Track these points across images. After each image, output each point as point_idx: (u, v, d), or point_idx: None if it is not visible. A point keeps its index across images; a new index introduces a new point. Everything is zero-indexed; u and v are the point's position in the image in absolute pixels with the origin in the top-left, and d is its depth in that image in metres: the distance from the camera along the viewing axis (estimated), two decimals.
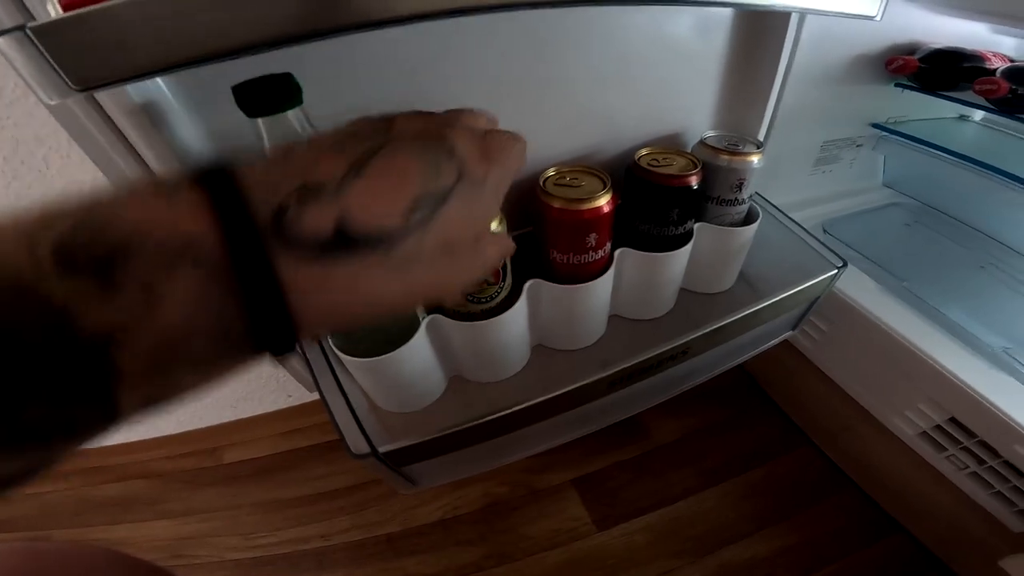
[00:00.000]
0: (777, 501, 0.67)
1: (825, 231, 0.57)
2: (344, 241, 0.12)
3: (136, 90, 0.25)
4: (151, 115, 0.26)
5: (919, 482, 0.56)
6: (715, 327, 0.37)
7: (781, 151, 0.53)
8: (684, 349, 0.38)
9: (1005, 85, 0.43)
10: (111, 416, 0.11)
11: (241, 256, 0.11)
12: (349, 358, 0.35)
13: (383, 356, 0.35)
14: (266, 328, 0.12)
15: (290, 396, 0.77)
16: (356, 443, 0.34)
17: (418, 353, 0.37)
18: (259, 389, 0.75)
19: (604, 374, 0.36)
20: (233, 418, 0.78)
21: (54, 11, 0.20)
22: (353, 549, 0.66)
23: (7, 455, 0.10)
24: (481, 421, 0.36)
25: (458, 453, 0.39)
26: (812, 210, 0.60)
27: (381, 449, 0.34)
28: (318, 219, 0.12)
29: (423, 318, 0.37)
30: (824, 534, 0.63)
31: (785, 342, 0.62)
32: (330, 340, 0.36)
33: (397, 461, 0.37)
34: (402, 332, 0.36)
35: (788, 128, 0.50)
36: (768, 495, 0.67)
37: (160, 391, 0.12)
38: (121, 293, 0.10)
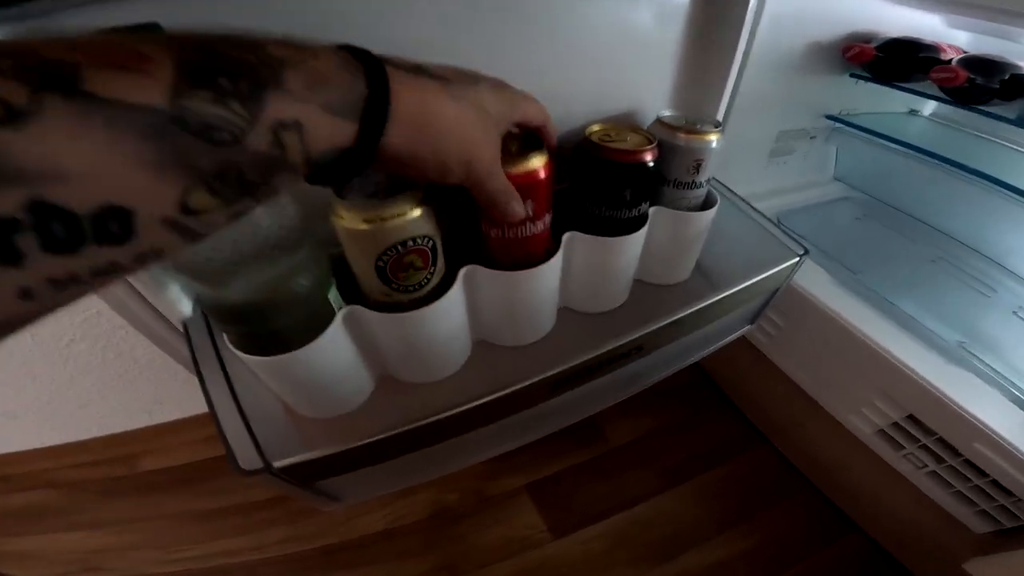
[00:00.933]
0: (736, 502, 0.66)
1: (779, 223, 0.56)
2: (424, 71, 0.20)
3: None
4: None
5: (877, 482, 0.55)
6: (671, 320, 0.34)
7: (737, 140, 0.51)
8: (638, 345, 0.34)
9: (963, 74, 0.42)
10: (252, 120, 0.13)
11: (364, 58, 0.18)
12: (251, 357, 0.30)
13: (291, 353, 0.30)
14: (377, 97, 0.17)
15: None
16: (246, 457, 0.29)
17: (335, 349, 0.32)
18: (176, 392, 0.68)
19: (551, 372, 0.32)
20: (149, 423, 0.70)
21: None
22: (286, 563, 0.60)
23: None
24: (408, 428, 0.31)
25: (384, 465, 0.35)
26: (766, 202, 0.60)
27: (277, 464, 0.29)
28: (411, 60, 0.20)
29: (339, 309, 0.32)
30: (783, 535, 0.63)
31: (741, 338, 0.60)
32: (225, 338, 0.31)
33: (302, 477, 0.32)
34: (313, 325, 0.31)
35: (745, 116, 0.49)
36: (726, 496, 0.66)
37: (298, 111, 0.15)
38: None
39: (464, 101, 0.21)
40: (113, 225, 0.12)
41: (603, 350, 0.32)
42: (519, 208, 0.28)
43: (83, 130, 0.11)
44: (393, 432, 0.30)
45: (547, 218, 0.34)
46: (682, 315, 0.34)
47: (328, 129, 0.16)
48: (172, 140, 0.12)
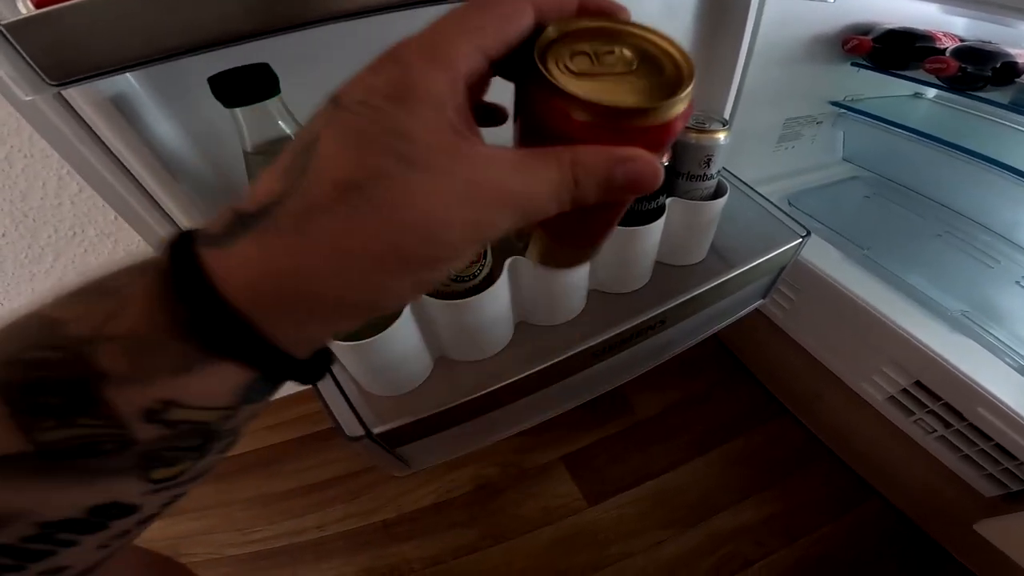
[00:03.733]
0: (759, 470, 0.70)
1: (790, 204, 0.60)
2: (241, 220, 0.12)
3: (106, 84, 0.25)
4: (122, 108, 0.26)
5: (891, 448, 0.58)
6: (689, 296, 0.39)
7: (746, 129, 0.55)
8: (662, 319, 0.39)
9: (954, 64, 0.45)
10: (114, 423, 0.11)
11: (176, 262, 0.12)
12: (339, 343, 0.36)
13: (371, 339, 0.36)
14: (206, 318, 0.12)
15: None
16: (350, 426, 0.35)
17: (404, 334, 0.38)
18: None
19: (586, 346, 0.37)
20: None
21: (25, 9, 0.20)
22: (349, 537, 0.67)
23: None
24: (472, 398, 0.37)
25: (450, 431, 0.40)
26: (777, 184, 0.63)
27: (375, 430, 0.35)
28: (221, 213, 0.12)
29: None
30: (806, 501, 0.67)
31: (757, 312, 0.64)
32: None
33: (391, 442, 0.38)
34: (387, 314, 0.37)
35: (752, 107, 0.53)
36: (750, 464, 0.70)
37: (152, 393, 0.12)
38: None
39: (317, 215, 0.12)
40: (113, 511, 0.13)
41: (633, 323, 0.37)
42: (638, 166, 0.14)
43: (10, 483, 0.11)
44: (463, 400, 0.36)
45: None
46: (699, 292, 0.39)
47: (200, 386, 0.12)
48: (69, 467, 0.11)
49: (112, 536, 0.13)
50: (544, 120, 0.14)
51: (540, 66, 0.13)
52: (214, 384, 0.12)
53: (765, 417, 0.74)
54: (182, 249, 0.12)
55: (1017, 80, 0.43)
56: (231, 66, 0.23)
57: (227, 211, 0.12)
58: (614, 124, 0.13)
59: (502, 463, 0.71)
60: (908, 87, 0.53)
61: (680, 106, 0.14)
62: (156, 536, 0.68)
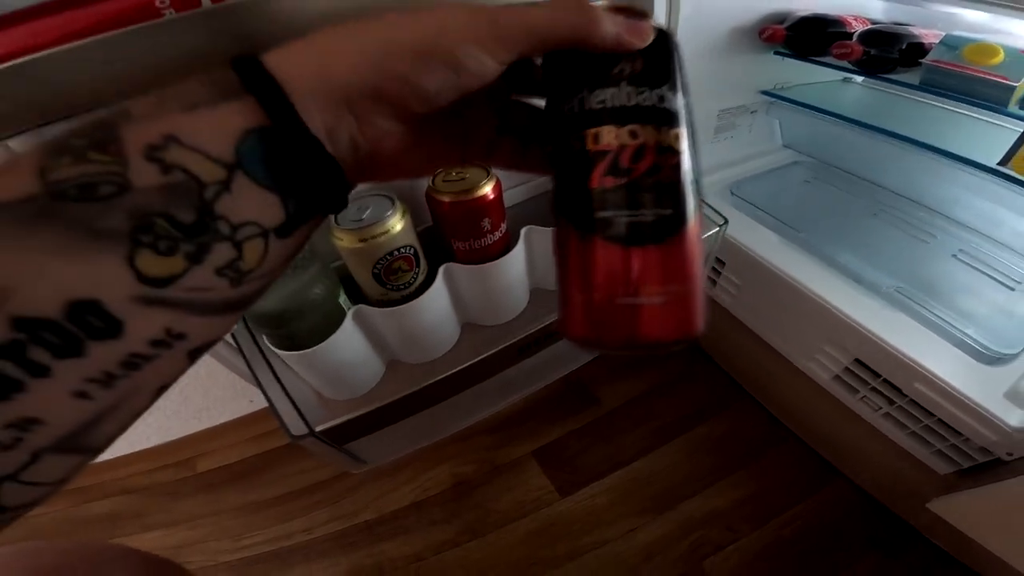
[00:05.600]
0: (726, 455, 0.71)
1: (732, 193, 0.62)
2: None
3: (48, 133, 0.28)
4: None
5: (847, 428, 0.59)
6: None
7: None
8: None
9: (859, 48, 0.47)
10: (119, 159, 0.11)
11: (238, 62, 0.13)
12: (285, 352, 0.39)
13: (316, 347, 0.38)
14: (247, 63, 0.13)
15: (251, 401, 0.80)
16: (295, 426, 0.38)
17: (349, 341, 0.41)
18: (220, 398, 0.79)
19: (513, 340, 0.40)
20: (200, 428, 0.81)
21: None
22: (335, 539, 0.69)
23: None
24: (404, 395, 0.40)
25: (398, 426, 0.43)
26: (720, 174, 0.65)
27: (318, 428, 0.38)
28: None
29: (348, 309, 0.40)
30: (772, 484, 0.68)
31: (711, 300, 0.66)
32: (264, 339, 0.40)
33: (337, 439, 0.40)
34: (330, 324, 0.39)
35: None
36: (717, 450, 0.72)
37: (159, 127, 0.12)
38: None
39: (373, 19, 0.15)
40: (93, 320, 0.11)
41: (550, 320, 0.39)
42: (614, 23, 0.16)
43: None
44: (403, 395, 0.39)
45: (503, 227, 0.42)
46: None
47: (209, 121, 0.12)
48: (64, 216, 0.11)
49: (94, 377, 0.12)
50: None
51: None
52: (217, 124, 0.12)
53: (729, 403, 0.76)
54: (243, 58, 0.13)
55: (922, 61, 0.45)
56: None
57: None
58: None
59: (476, 460, 0.73)
60: (836, 72, 0.55)
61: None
62: (153, 547, 0.72)
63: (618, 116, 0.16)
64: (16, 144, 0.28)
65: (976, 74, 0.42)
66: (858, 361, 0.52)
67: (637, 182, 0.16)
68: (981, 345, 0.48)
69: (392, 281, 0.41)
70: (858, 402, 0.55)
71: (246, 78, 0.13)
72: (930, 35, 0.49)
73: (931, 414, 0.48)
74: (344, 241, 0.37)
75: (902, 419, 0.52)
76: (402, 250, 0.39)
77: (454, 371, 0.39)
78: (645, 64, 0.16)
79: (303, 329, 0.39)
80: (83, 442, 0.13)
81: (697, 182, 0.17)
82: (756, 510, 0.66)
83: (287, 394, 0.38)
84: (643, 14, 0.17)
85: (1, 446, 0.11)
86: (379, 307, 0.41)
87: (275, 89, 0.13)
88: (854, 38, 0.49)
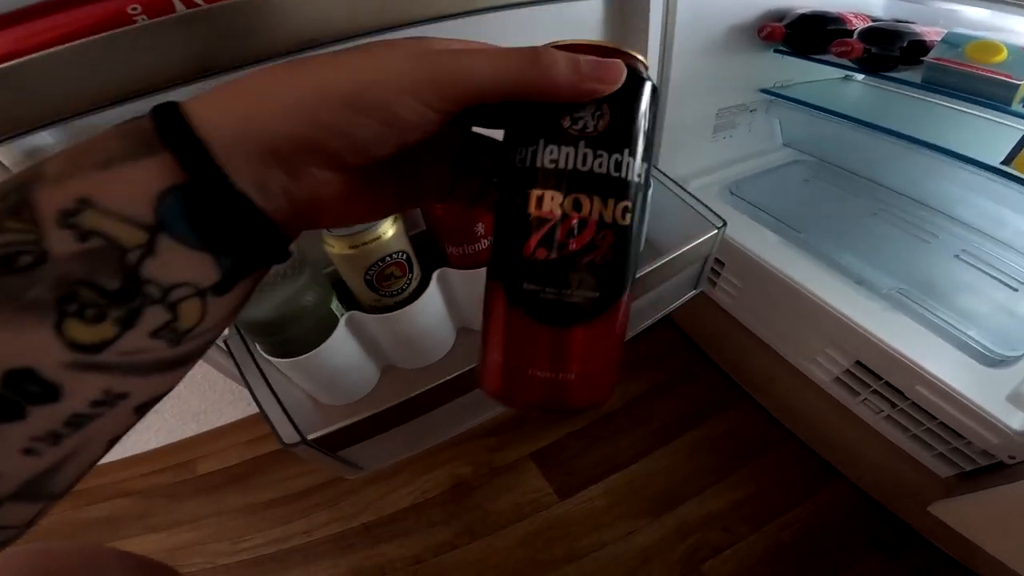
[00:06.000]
0: (724, 456, 0.71)
1: (732, 193, 0.61)
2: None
3: (24, 142, 0.28)
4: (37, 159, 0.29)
5: (847, 429, 0.59)
6: None
7: (680, 122, 0.56)
8: None
9: (859, 46, 0.46)
10: (33, 225, 0.11)
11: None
12: (278, 360, 0.38)
13: (309, 353, 0.38)
14: (166, 113, 0.12)
15: (249, 404, 0.80)
16: (287, 434, 0.37)
17: (342, 347, 0.40)
18: (217, 401, 0.79)
19: None
20: (198, 431, 0.81)
21: None
22: (335, 541, 0.69)
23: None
24: (402, 400, 0.39)
25: (392, 432, 0.43)
26: (719, 174, 0.64)
27: (310, 436, 0.38)
28: None
29: (342, 315, 0.40)
30: (771, 485, 0.68)
31: (710, 301, 0.66)
32: (258, 347, 0.39)
33: (330, 446, 0.40)
34: (323, 331, 0.39)
35: (682, 100, 0.54)
36: (716, 451, 0.72)
37: (72, 188, 0.11)
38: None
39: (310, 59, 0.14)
40: (30, 387, 0.11)
41: None
42: (569, 66, 0.15)
43: None
44: (395, 403, 0.38)
45: None
46: None
47: (125, 180, 0.12)
48: None
49: (37, 435, 0.12)
50: None
51: None
52: (134, 184, 0.12)
53: (728, 404, 0.76)
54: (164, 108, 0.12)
55: (924, 59, 0.44)
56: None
57: None
58: None
59: (475, 462, 0.73)
60: (836, 71, 0.54)
61: None
62: (151, 549, 0.72)
63: (566, 181, 0.15)
64: (3, 151, 0.28)
65: (979, 72, 0.41)
66: (859, 363, 0.52)
67: (570, 259, 0.15)
68: (983, 347, 0.47)
69: (385, 287, 0.40)
70: (859, 404, 0.55)
71: (163, 130, 0.12)
72: (932, 33, 0.48)
73: (933, 417, 0.48)
74: (335, 248, 0.37)
75: (903, 422, 0.51)
76: (395, 256, 0.39)
77: (449, 378, 0.39)
78: (610, 118, 0.15)
79: (296, 336, 0.39)
80: (42, 490, 0.13)
81: (637, 256, 0.16)
82: (755, 512, 0.66)
83: (279, 402, 0.37)
84: (616, 51, 0.15)
85: None
86: (372, 313, 0.40)
87: (194, 142, 0.12)
88: (855, 36, 0.48)
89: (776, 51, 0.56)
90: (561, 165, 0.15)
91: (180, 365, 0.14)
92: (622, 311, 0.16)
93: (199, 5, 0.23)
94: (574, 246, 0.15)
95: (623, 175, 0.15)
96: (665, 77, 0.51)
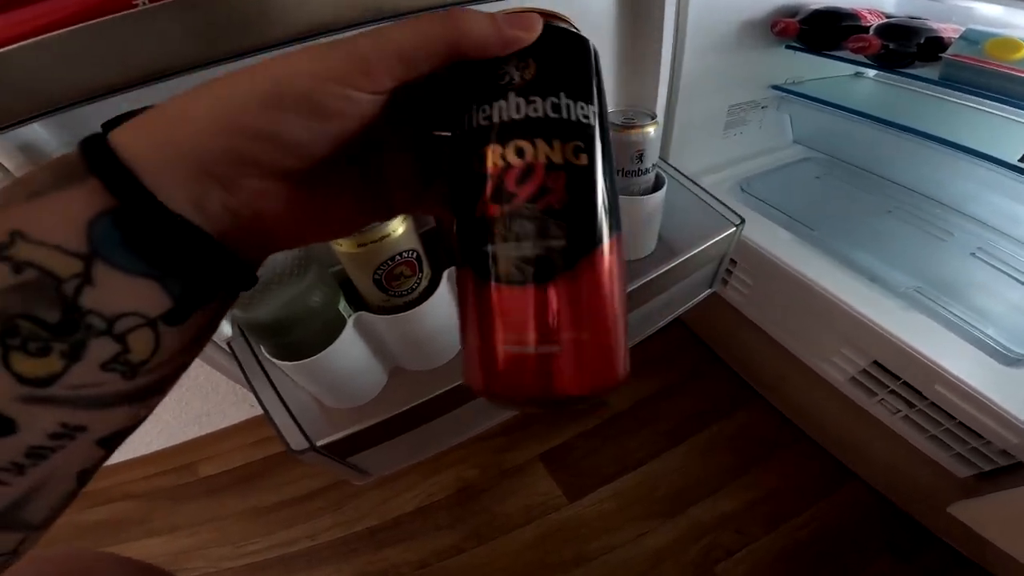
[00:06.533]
0: (736, 457, 0.70)
1: (742, 190, 0.61)
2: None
3: (15, 135, 0.27)
4: (32, 155, 0.28)
5: (863, 430, 0.58)
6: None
7: (691, 119, 0.55)
8: None
9: (876, 42, 0.46)
10: None
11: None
12: (284, 362, 0.37)
13: (315, 356, 0.37)
14: (93, 142, 0.12)
15: (252, 407, 0.79)
16: (295, 440, 0.36)
17: (349, 350, 0.39)
18: (220, 403, 0.77)
19: None
20: (201, 433, 0.80)
21: None
22: (339, 545, 0.68)
23: None
24: (411, 406, 0.38)
25: (401, 438, 0.42)
26: (729, 171, 0.64)
27: (319, 442, 0.37)
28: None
29: (349, 316, 0.39)
30: (784, 486, 0.67)
31: (721, 299, 0.65)
32: (263, 349, 0.38)
33: (339, 452, 0.39)
34: (330, 332, 0.38)
35: (693, 97, 0.53)
36: (727, 452, 0.71)
37: (13, 206, 0.11)
38: None
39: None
40: None
41: None
42: (500, 27, 0.14)
43: None
44: (405, 408, 0.37)
45: None
46: (633, 287, 0.40)
47: (53, 209, 0.11)
48: None
49: (1, 465, 0.12)
50: None
51: None
52: (62, 212, 0.11)
53: (738, 404, 0.75)
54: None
55: (942, 55, 0.43)
56: (125, 111, 0.25)
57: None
58: None
59: (482, 464, 0.72)
60: (847, 67, 0.53)
61: None
62: (154, 553, 0.71)
63: (501, 132, 0.14)
64: None
65: (999, 69, 0.40)
66: (876, 363, 0.51)
67: (522, 208, 0.13)
68: (1002, 346, 0.47)
69: (394, 287, 0.39)
70: (876, 405, 0.54)
71: (90, 158, 0.12)
72: (948, 29, 0.47)
73: (952, 417, 0.47)
74: (343, 246, 0.36)
75: (921, 422, 0.50)
76: (404, 254, 0.38)
77: (460, 382, 0.38)
78: (537, 68, 0.14)
79: (302, 338, 0.37)
80: (18, 520, 0.13)
81: (610, 201, 0.15)
82: (768, 513, 0.65)
83: (286, 407, 0.36)
84: (538, 11, 0.15)
85: None
86: (381, 314, 0.39)
87: (119, 167, 0.12)
88: (870, 32, 0.47)
89: (788, 47, 0.55)
90: (495, 119, 0.14)
91: (141, 399, 0.13)
92: (606, 263, 0.14)
93: None
94: (524, 193, 0.13)
95: (564, 115, 0.14)
96: (677, 74, 0.50)
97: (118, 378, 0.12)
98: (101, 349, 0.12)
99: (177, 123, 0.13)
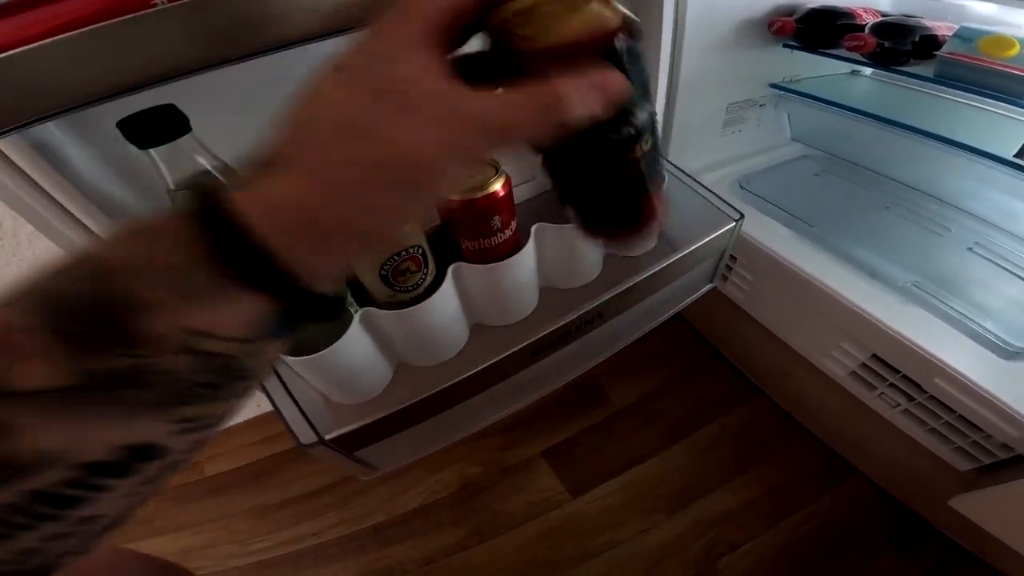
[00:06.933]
0: (738, 453, 0.71)
1: (742, 187, 0.61)
2: (262, 169, 0.15)
3: (30, 134, 0.28)
4: (45, 154, 0.28)
5: (863, 424, 0.58)
6: (624, 289, 0.41)
7: (691, 117, 0.56)
8: (599, 312, 0.41)
9: (872, 40, 0.46)
10: (152, 352, 0.13)
11: (205, 203, 0.14)
12: (292, 358, 0.38)
13: (323, 351, 0.38)
14: (234, 247, 0.13)
15: (259, 405, 0.80)
16: (304, 434, 0.37)
17: (356, 345, 0.40)
18: None
19: (523, 344, 0.39)
20: None
21: None
22: (345, 543, 0.69)
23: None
24: (415, 401, 0.39)
25: (408, 432, 0.42)
26: (729, 168, 0.64)
27: (328, 436, 0.37)
28: (247, 166, 0.15)
29: (356, 312, 0.39)
30: (786, 481, 0.67)
31: (721, 295, 0.66)
32: None
33: (347, 447, 0.40)
34: (336, 328, 0.39)
35: (693, 95, 0.54)
36: (729, 447, 0.71)
37: (186, 322, 0.13)
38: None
39: (315, 149, 0.14)
40: (144, 453, 0.14)
41: (564, 322, 0.38)
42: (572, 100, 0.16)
43: (52, 422, 0.12)
44: (412, 402, 0.38)
45: (512, 225, 0.41)
46: (632, 284, 0.41)
47: (227, 315, 0.14)
48: (97, 404, 0.12)
49: (142, 481, 0.14)
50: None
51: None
52: (241, 314, 0.14)
53: (740, 399, 0.75)
54: (212, 194, 0.14)
55: (937, 53, 0.44)
56: (138, 109, 0.25)
57: (251, 164, 0.15)
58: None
59: (484, 462, 0.72)
60: (844, 65, 0.54)
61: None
62: (162, 551, 0.71)
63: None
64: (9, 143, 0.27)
65: (993, 67, 0.41)
66: (876, 357, 0.52)
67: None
68: (1000, 340, 0.47)
69: (400, 283, 0.40)
70: (876, 399, 0.54)
71: (242, 270, 0.14)
72: (942, 27, 0.48)
73: (951, 410, 0.47)
74: None
75: (921, 416, 0.51)
76: (411, 250, 0.39)
77: (466, 376, 0.38)
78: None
79: (308, 334, 0.38)
80: (125, 520, 0.16)
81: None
82: (771, 508, 0.66)
83: (295, 401, 0.37)
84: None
85: (79, 536, 0.14)
86: (386, 309, 0.40)
87: (283, 278, 0.14)
88: (866, 30, 0.48)
89: (785, 45, 0.56)
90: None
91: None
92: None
93: None
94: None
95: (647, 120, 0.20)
96: (676, 73, 0.51)
97: (241, 401, 0.16)
98: (242, 389, 0.16)
99: (312, 209, 0.14)
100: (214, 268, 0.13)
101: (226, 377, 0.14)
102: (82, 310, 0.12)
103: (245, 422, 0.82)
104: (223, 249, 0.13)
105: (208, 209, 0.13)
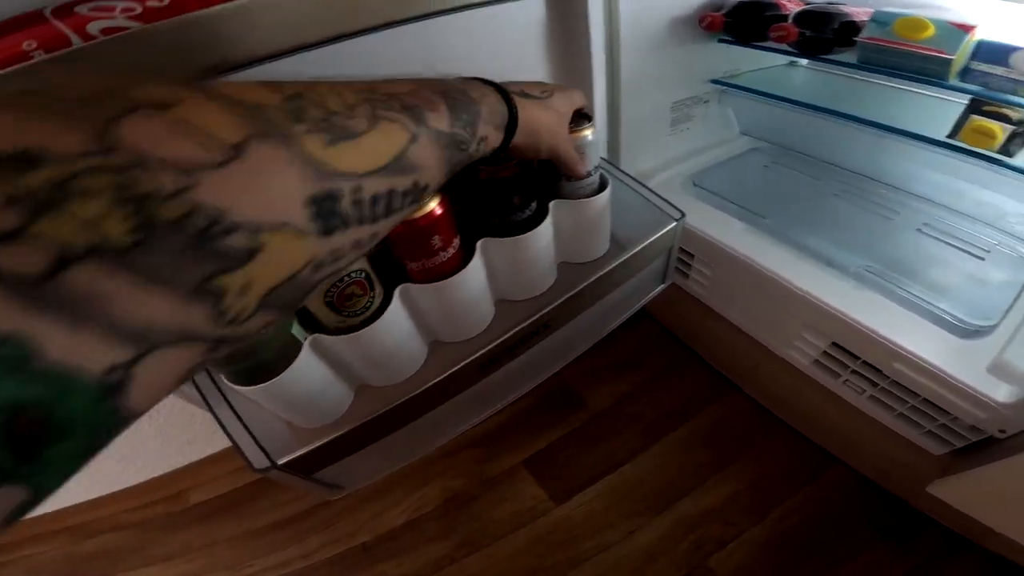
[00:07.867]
0: (718, 449, 0.71)
1: (695, 184, 0.62)
2: (527, 95, 0.33)
3: None
4: None
5: (836, 413, 0.59)
6: (567, 297, 0.41)
7: (637, 119, 0.57)
8: (545, 322, 0.42)
9: (794, 30, 0.47)
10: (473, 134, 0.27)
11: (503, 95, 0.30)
12: (244, 388, 0.39)
13: (274, 379, 0.38)
14: (512, 118, 0.30)
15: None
16: (256, 458, 0.38)
17: (308, 371, 0.41)
18: (203, 431, 0.79)
19: (472, 358, 0.40)
20: (186, 462, 0.81)
21: None
22: (333, 563, 0.69)
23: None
24: (366, 420, 0.40)
25: (364, 451, 0.43)
26: (682, 166, 0.65)
27: (280, 461, 0.38)
28: (517, 86, 0.33)
29: (304, 339, 0.40)
30: (769, 474, 0.68)
31: (686, 293, 0.66)
32: (222, 376, 0.40)
33: (303, 469, 0.40)
34: (286, 357, 0.39)
35: (636, 96, 0.55)
36: (709, 445, 0.72)
37: (491, 127, 0.29)
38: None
39: (550, 110, 0.35)
40: (418, 193, 0.23)
41: (510, 334, 0.39)
42: (584, 166, 0.41)
43: (431, 146, 0.23)
44: (361, 422, 0.39)
45: (456, 242, 0.42)
46: (577, 290, 0.41)
47: (493, 138, 0.29)
48: (450, 149, 0.24)
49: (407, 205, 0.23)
50: None
51: None
52: (494, 141, 0.29)
53: (716, 396, 0.76)
54: (507, 94, 0.31)
55: (856, 39, 0.45)
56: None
57: (519, 89, 0.33)
58: None
59: (466, 474, 0.73)
60: (781, 57, 0.55)
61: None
62: None
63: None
64: None
65: (911, 49, 0.42)
66: (836, 344, 0.52)
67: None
68: (957, 319, 0.47)
69: (347, 307, 0.41)
70: (841, 386, 0.54)
71: (510, 124, 0.31)
72: (862, 13, 0.49)
73: (915, 394, 0.47)
74: None
75: (887, 401, 0.51)
76: (353, 275, 0.39)
77: (419, 391, 0.39)
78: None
79: (260, 364, 0.39)
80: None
81: None
82: (755, 502, 0.66)
83: (245, 427, 0.38)
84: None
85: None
86: (337, 335, 0.41)
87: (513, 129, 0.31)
88: (789, 20, 0.49)
89: (720, 40, 0.57)
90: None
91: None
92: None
93: (95, 38, 0.23)
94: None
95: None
96: (617, 75, 0.52)
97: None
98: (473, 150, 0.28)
99: (526, 126, 0.32)
100: (500, 119, 0.30)
101: (483, 147, 0.29)
102: (460, 102, 0.26)
103: (223, 451, 0.82)
104: (509, 109, 0.30)
105: (506, 94, 0.31)
